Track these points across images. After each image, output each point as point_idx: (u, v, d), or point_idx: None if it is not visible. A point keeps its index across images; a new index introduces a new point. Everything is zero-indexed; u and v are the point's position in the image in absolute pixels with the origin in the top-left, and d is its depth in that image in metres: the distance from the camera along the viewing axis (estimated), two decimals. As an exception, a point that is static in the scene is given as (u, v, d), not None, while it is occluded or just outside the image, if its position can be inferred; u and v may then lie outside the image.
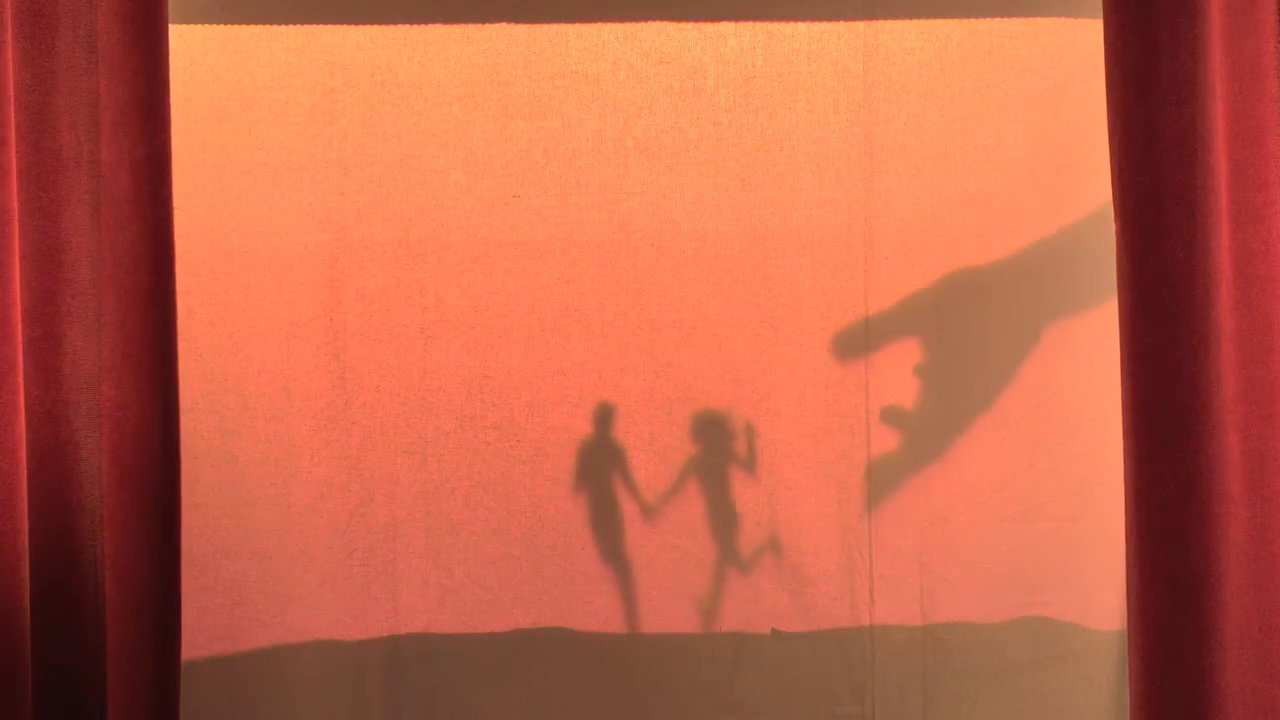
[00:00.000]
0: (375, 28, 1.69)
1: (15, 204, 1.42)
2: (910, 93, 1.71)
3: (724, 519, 1.74)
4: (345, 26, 1.69)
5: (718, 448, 1.73)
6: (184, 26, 1.65)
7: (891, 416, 1.73)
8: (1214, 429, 1.47)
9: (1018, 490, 1.74)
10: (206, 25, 1.67)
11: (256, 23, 1.68)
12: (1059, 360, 1.73)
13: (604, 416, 1.73)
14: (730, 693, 1.74)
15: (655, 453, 1.73)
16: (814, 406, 1.73)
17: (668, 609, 1.74)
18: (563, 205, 1.71)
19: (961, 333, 1.73)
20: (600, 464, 1.73)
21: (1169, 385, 1.48)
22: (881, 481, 1.74)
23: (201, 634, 1.68)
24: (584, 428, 1.72)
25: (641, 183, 1.71)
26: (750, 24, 1.70)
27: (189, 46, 1.66)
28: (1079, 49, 1.70)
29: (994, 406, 1.73)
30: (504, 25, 1.69)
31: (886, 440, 1.74)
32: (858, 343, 1.72)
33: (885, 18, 1.70)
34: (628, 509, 1.73)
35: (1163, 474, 1.48)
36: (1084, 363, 1.72)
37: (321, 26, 1.69)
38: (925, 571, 1.74)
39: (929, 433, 1.73)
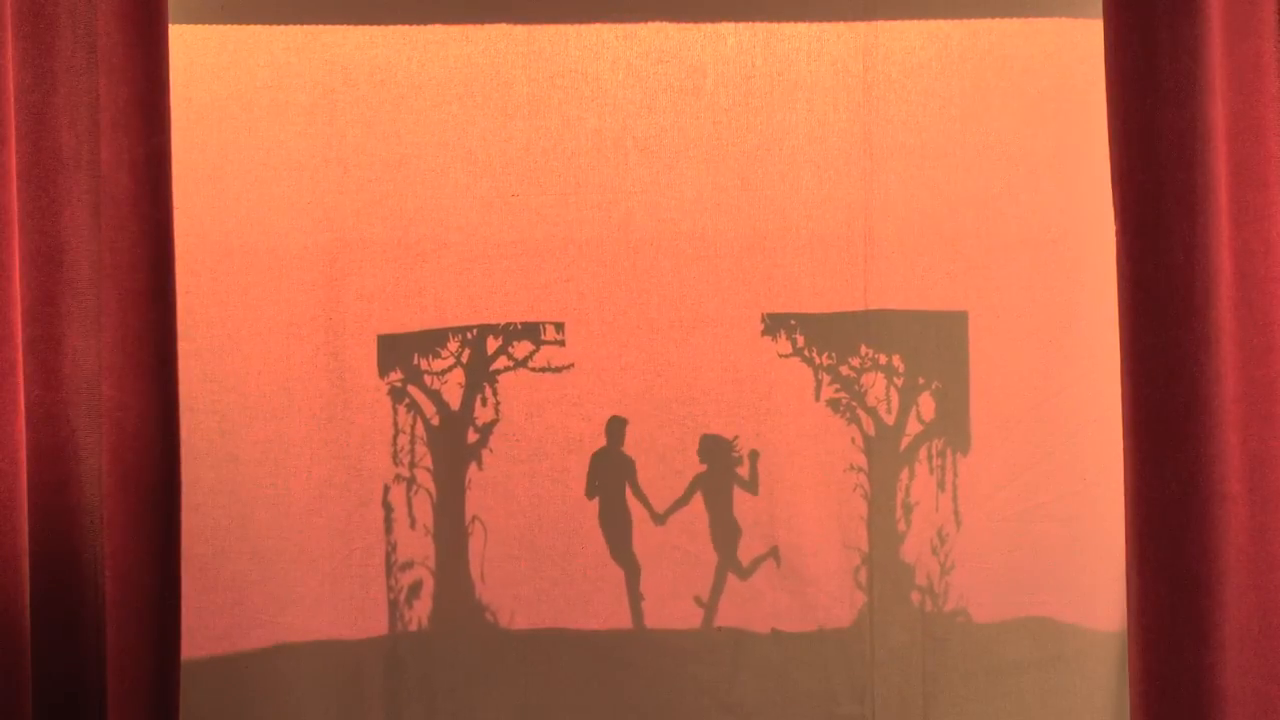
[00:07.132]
0: (375, 28, 1.69)
1: (15, 204, 1.42)
2: (910, 92, 1.71)
3: (725, 525, 1.74)
4: (345, 26, 1.69)
5: (723, 467, 1.73)
6: (184, 26, 1.65)
7: (891, 414, 1.73)
8: (1214, 429, 1.47)
9: (1018, 490, 1.74)
10: (206, 25, 1.67)
11: (256, 23, 1.68)
12: (1059, 361, 1.73)
13: (606, 416, 1.73)
14: (730, 693, 1.74)
15: (655, 453, 1.72)
16: (814, 407, 1.73)
17: (669, 608, 1.74)
18: (562, 205, 1.70)
19: (961, 333, 1.73)
20: (603, 465, 1.73)
21: (1169, 385, 1.47)
22: (882, 482, 1.73)
23: (201, 634, 1.68)
24: (582, 428, 1.72)
25: (641, 182, 1.71)
26: (750, 24, 1.70)
27: (189, 46, 1.66)
28: (1079, 49, 1.70)
29: (994, 407, 1.73)
30: (504, 25, 1.69)
31: (886, 440, 1.73)
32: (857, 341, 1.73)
33: (885, 18, 1.70)
34: (636, 511, 1.74)
35: (1163, 474, 1.48)
36: (1084, 363, 1.71)
37: (321, 26, 1.68)
38: (926, 572, 1.74)
39: (929, 433, 1.73)
